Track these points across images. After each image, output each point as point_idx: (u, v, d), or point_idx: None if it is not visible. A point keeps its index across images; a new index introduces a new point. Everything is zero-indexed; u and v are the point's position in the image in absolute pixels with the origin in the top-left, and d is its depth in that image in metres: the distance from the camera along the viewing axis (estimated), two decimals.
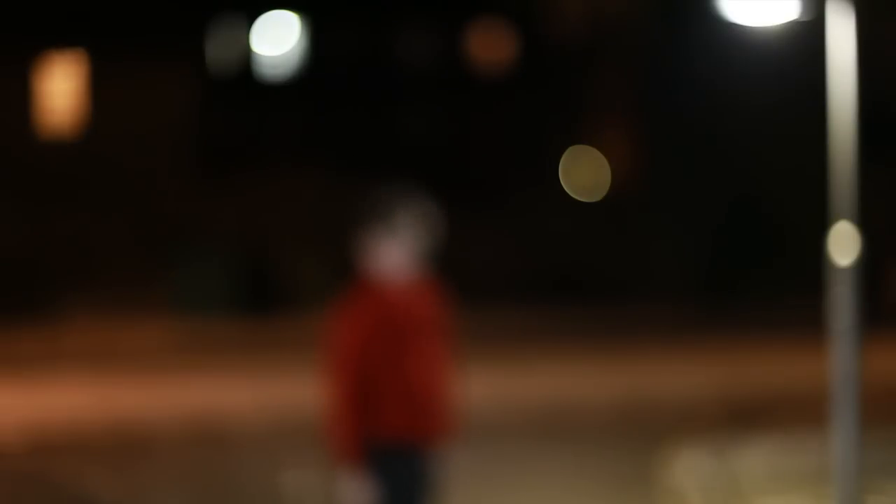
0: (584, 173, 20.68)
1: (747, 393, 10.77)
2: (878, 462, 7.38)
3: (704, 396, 10.81)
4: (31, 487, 8.36)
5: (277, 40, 20.75)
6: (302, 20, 20.85)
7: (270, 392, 11.20)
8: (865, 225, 5.78)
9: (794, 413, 9.69)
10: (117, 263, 18.20)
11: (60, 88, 19.58)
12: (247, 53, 20.86)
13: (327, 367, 4.41)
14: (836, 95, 5.83)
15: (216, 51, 20.45)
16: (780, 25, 7.69)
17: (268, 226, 19.03)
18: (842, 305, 5.63)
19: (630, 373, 12.07)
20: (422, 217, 4.46)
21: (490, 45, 21.15)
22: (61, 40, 19.14)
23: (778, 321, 15.14)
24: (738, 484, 7.36)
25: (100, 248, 18.40)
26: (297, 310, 16.44)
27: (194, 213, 18.96)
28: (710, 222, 19.36)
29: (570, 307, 16.83)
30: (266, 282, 18.59)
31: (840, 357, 5.60)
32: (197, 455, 9.78)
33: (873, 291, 7.62)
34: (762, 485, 7.46)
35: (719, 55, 17.28)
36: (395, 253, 4.39)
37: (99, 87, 19.53)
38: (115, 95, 19.08)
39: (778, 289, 17.45)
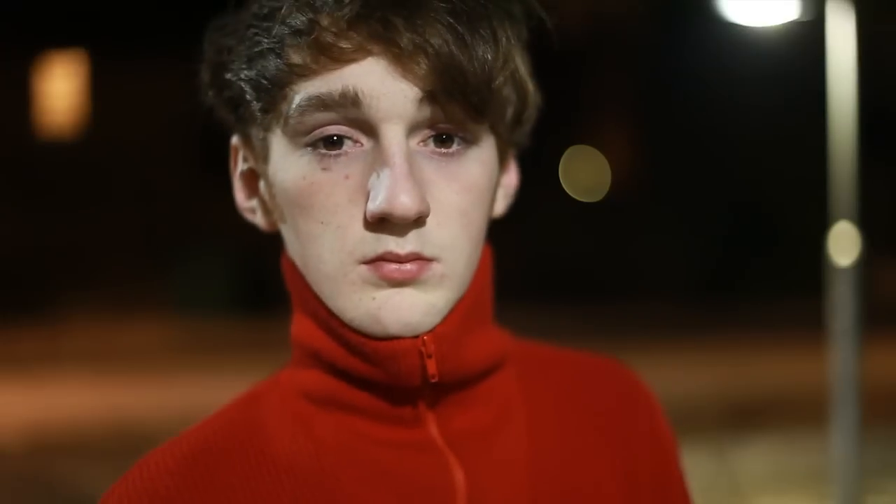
0: (584, 173, 20.68)
1: (747, 393, 10.76)
2: (878, 462, 7.38)
3: (704, 396, 10.79)
4: (31, 487, 8.35)
5: None
6: None
7: None
8: (865, 225, 5.78)
9: (794, 413, 9.68)
10: (117, 263, 18.20)
11: (60, 88, 19.58)
12: None
13: None
14: (836, 96, 5.83)
15: None
16: (780, 25, 7.69)
17: None
18: (842, 305, 5.63)
19: None
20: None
21: None
22: (61, 40, 19.13)
23: (778, 321, 15.14)
24: (738, 484, 7.36)
25: (100, 248, 18.40)
26: None
27: (195, 213, 18.96)
28: (711, 222, 19.36)
29: (569, 307, 16.83)
30: (266, 281, 18.58)
31: (840, 357, 5.60)
32: None
33: (872, 291, 7.63)
34: (762, 485, 7.46)
35: (719, 55, 17.27)
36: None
37: (99, 87, 19.53)
38: (115, 95, 19.08)
39: (778, 288, 17.45)
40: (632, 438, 1.09)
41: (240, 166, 1.08)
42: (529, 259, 18.97)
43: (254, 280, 18.41)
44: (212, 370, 12.78)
